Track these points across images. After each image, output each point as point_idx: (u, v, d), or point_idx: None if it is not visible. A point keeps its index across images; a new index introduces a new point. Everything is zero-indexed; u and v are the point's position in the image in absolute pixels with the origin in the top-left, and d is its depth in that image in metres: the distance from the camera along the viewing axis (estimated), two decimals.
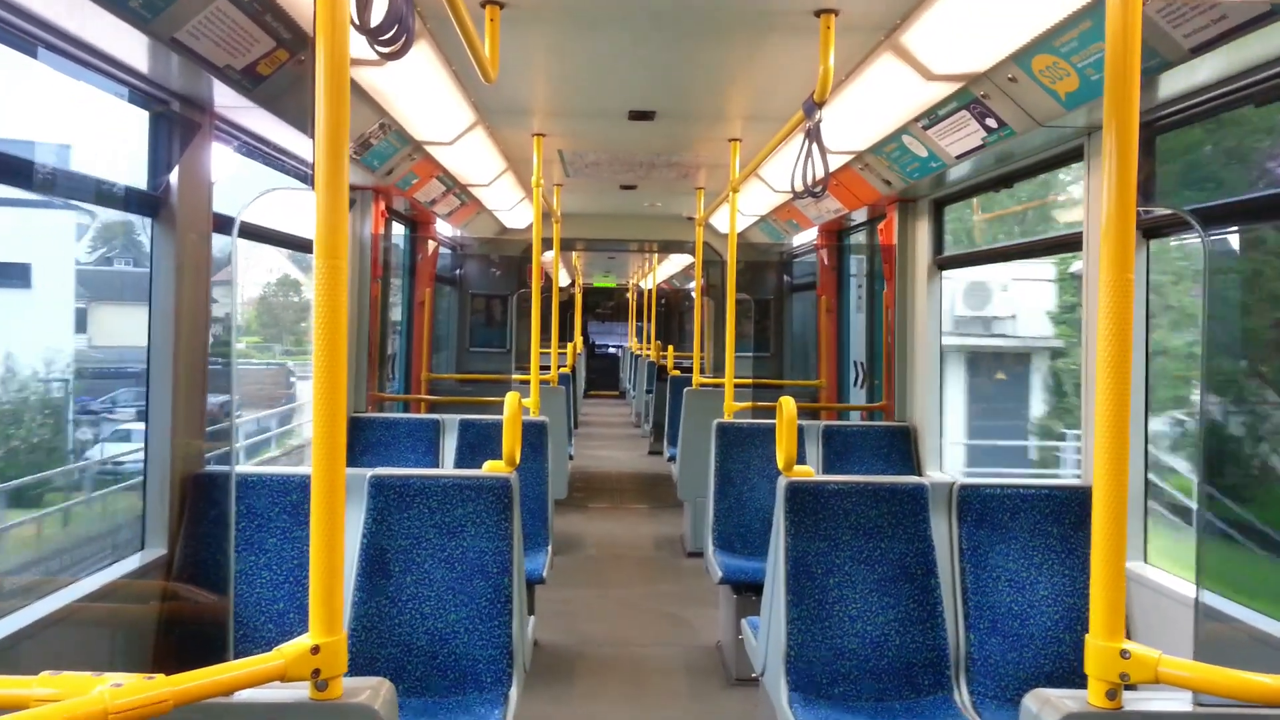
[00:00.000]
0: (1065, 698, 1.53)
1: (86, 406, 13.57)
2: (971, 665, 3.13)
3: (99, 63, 2.67)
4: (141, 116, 3.14)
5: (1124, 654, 1.48)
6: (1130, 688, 1.50)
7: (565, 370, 10.10)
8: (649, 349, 15.86)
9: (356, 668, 2.97)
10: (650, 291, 17.88)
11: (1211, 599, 2.74)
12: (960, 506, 3.28)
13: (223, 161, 3.45)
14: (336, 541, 1.47)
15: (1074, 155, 3.71)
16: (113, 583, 2.83)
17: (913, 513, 3.27)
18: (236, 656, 1.38)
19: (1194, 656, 1.59)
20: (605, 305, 25.88)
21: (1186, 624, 2.84)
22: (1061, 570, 3.19)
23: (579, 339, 15.32)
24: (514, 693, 3.00)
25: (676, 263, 14.56)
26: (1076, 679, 3.14)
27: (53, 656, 2.50)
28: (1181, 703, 1.53)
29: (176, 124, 3.18)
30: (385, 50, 1.81)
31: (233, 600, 3.04)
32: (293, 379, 20.21)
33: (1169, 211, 3.13)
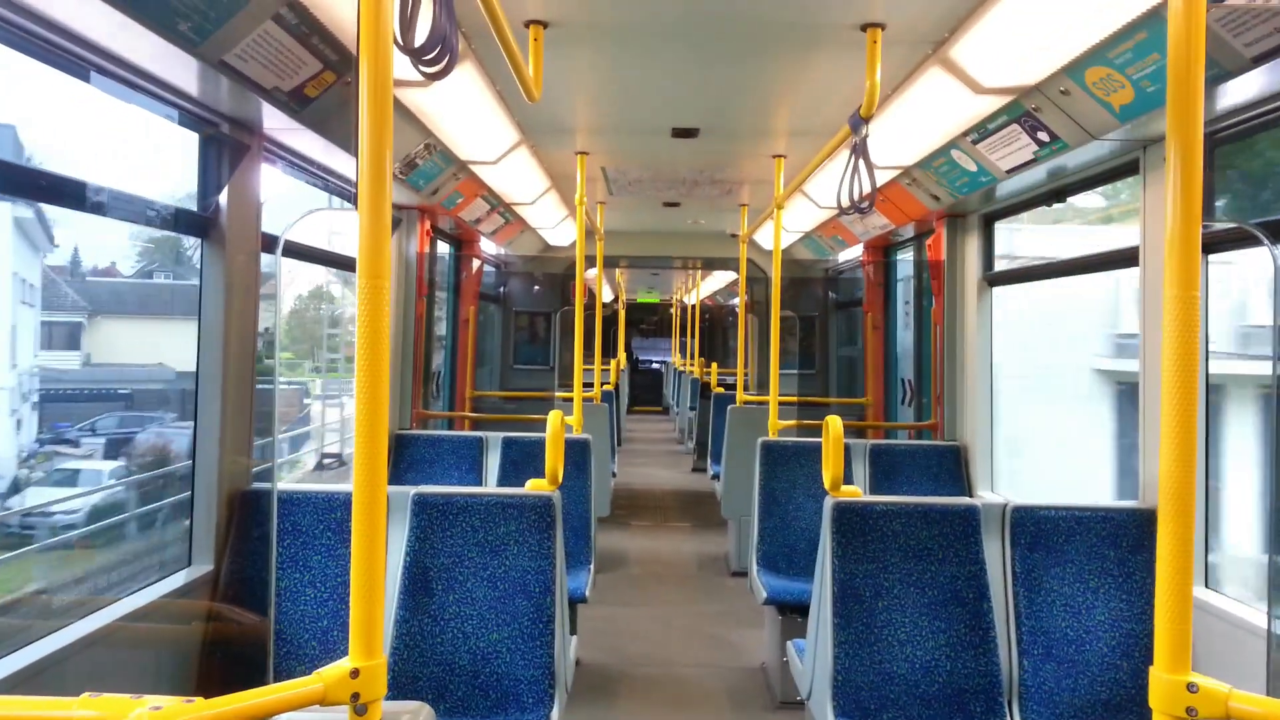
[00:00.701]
0: None
1: (62, 435, 12.23)
2: (1025, 692, 3.04)
3: (149, 85, 2.72)
4: (191, 138, 3.19)
5: (1191, 687, 1.42)
6: None
7: (608, 387, 10.09)
8: (692, 365, 15.81)
9: (399, 687, 2.96)
10: (694, 307, 17.84)
11: None
12: (1013, 529, 3.20)
13: (271, 182, 3.50)
14: (377, 564, 1.45)
15: (1129, 169, 3.62)
16: (159, 600, 2.86)
17: (964, 535, 3.19)
18: (280, 673, 1.36)
19: (1266, 691, 1.51)
20: (649, 321, 25.86)
21: (1252, 654, 2.73)
22: (1119, 595, 3.09)
23: (622, 355, 15.31)
24: (556, 713, 2.98)
25: (720, 278, 14.51)
26: (1134, 708, 3.04)
27: (105, 671, 2.53)
28: None
29: (226, 146, 3.22)
30: (429, 70, 1.81)
31: (275, 618, 3.06)
32: (306, 400, 18.66)
33: (1233, 225, 3.04)
